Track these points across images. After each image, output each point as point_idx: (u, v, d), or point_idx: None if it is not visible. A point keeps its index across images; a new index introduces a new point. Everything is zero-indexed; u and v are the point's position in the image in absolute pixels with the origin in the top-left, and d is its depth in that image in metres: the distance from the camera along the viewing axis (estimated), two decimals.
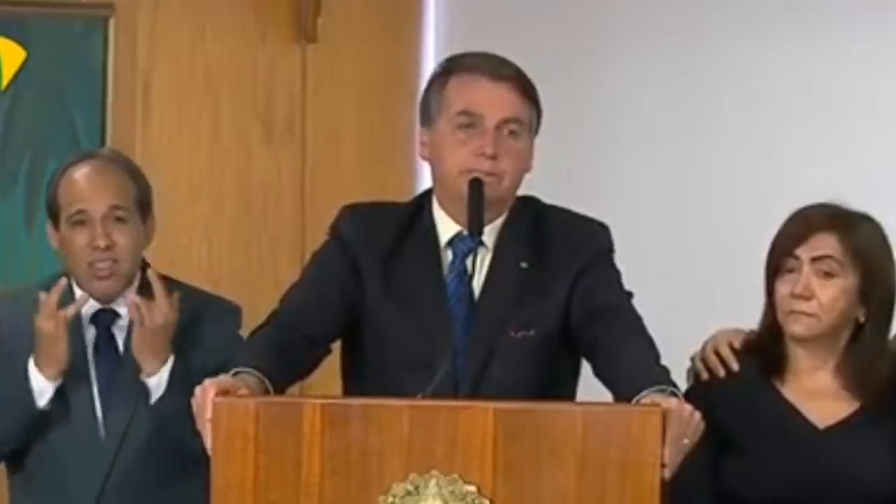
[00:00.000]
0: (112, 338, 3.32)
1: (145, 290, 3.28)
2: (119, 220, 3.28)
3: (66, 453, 3.28)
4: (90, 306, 3.30)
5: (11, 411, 3.25)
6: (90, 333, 3.32)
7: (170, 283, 3.33)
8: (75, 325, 3.26)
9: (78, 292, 3.30)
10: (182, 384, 3.11)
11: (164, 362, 3.21)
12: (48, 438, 3.28)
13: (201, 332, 3.31)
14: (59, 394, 3.25)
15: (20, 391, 3.22)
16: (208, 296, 3.45)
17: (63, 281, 3.22)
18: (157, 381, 3.21)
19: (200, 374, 3.14)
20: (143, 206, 3.35)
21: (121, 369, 3.30)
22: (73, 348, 3.24)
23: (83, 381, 3.29)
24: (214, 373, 3.17)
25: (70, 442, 3.28)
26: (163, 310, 3.19)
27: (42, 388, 3.21)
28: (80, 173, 3.31)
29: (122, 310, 3.31)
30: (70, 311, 3.20)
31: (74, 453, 3.28)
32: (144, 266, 3.35)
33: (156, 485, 3.29)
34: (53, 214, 3.33)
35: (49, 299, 3.18)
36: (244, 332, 3.17)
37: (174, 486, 3.27)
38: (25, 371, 3.22)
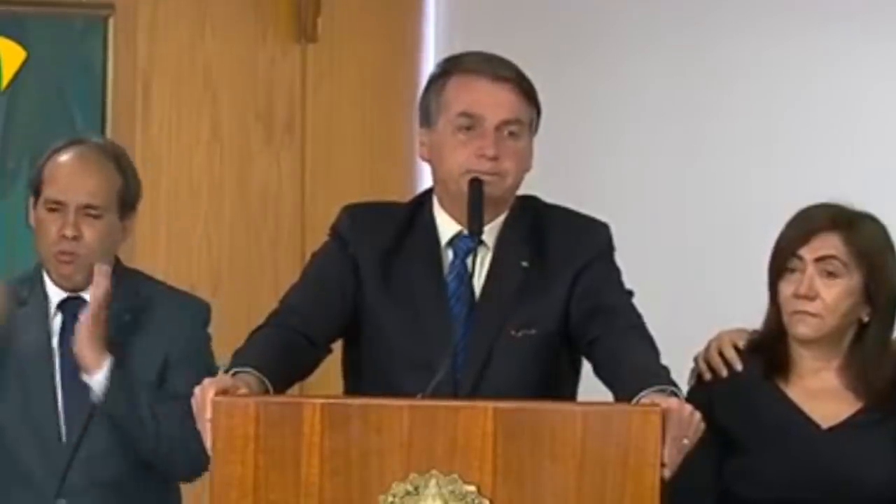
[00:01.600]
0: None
1: (116, 283, 3.29)
2: (92, 216, 3.30)
3: (25, 444, 3.27)
4: (57, 293, 3.33)
5: None
6: (56, 321, 3.33)
7: (139, 277, 3.39)
8: (41, 313, 3.30)
9: (49, 287, 3.33)
10: (123, 385, 3.15)
11: (102, 361, 3.20)
12: (5, 427, 3.26)
13: (163, 324, 3.32)
14: (20, 380, 3.26)
15: None
16: (176, 291, 3.45)
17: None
18: (98, 381, 3.21)
19: (158, 365, 3.24)
20: (125, 202, 3.36)
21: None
22: (38, 336, 3.27)
23: (45, 370, 3.29)
24: (174, 365, 3.26)
25: (29, 433, 3.26)
26: (99, 286, 3.19)
27: None
28: (66, 160, 3.34)
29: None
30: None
31: (33, 444, 3.27)
32: (118, 263, 3.37)
33: (120, 482, 3.27)
34: (36, 192, 3.36)
35: None
36: (241, 332, 3.16)
37: (134, 485, 3.27)
38: None
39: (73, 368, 3.26)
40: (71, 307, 3.33)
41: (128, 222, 3.38)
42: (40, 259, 3.36)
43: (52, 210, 3.31)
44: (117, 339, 3.26)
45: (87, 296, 3.30)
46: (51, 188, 3.32)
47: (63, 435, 3.27)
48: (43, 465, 3.26)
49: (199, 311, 3.40)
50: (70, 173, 3.32)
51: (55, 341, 3.32)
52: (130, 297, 3.33)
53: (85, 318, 3.20)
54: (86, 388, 3.22)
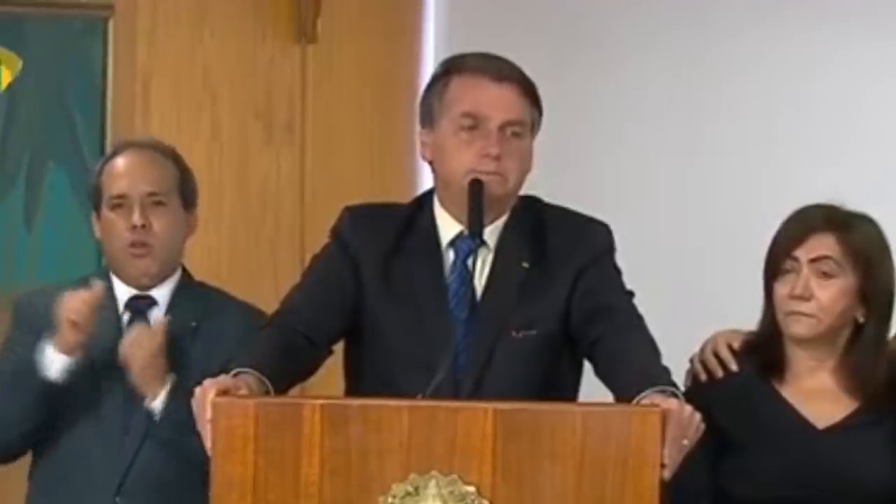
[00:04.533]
0: (148, 325, 3.33)
1: (185, 285, 3.36)
2: (158, 203, 3.33)
3: (90, 441, 3.28)
4: (126, 291, 3.34)
5: (23, 383, 3.24)
6: (125, 320, 3.34)
7: (200, 287, 3.41)
8: (113, 314, 3.30)
9: (117, 287, 3.33)
10: (179, 402, 3.13)
11: (162, 386, 3.23)
12: (76, 423, 3.28)
13: (223, 331, 3.31)
14: (90, 380, 3.26)
15: (31, 363, 3.22)
16: (236, 299, 3.46)
17: (98, 284, 3.23)
18: (157, 405, 3.23)
19: (220, 365, 3.15)
20: (186, 193, 3.40)
21: None
22: (107, 335, 3.26)
23: (114, 370, 3.28)
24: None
25: (95, 431, 3.28)
26: (142, 342, 3.21)
27: (52, 359, 3.21)
28: (121, 159, 3.37)
29: (161, 296, 3.34)
30: (87, 295, 3.20)
31: (98, 442, 3.28)
32: (185, 269, 3.41)
33: (174, 486, 3.27)
34: (96, 204, 3.38)
35: (78, 291, 3.21)
36: None
37: (189, 492, 3.27)
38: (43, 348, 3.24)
39: None
40: (139, 305, 3.35)
41: (191, 216, 3.41)
42: (110, 262, 3.36)
43: (115, 207, 3.32)
44: (182, 345, 3.29)
45: (156, 294, 3.34)
46: (112, 187, 3.33)
47: (126, 430, 3.27)
48: (105, 464, 3.27)
49: (256, 318, 3.38)
50: (129, 167, 3.34)
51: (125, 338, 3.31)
52: (198, 304, 3.36)
53: (143, 346, 3.21)
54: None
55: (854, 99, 4.71)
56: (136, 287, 3.35)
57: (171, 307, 3.35)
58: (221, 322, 3.34)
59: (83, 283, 3.32)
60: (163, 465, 3.26)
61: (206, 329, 3.34)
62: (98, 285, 3.23)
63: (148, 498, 3.27)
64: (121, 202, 3.32)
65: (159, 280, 3.35)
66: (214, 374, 3.08)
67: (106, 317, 3.29)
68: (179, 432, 3.14)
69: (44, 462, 3.34)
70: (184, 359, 3.29)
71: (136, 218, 3.29)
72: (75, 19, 4.68)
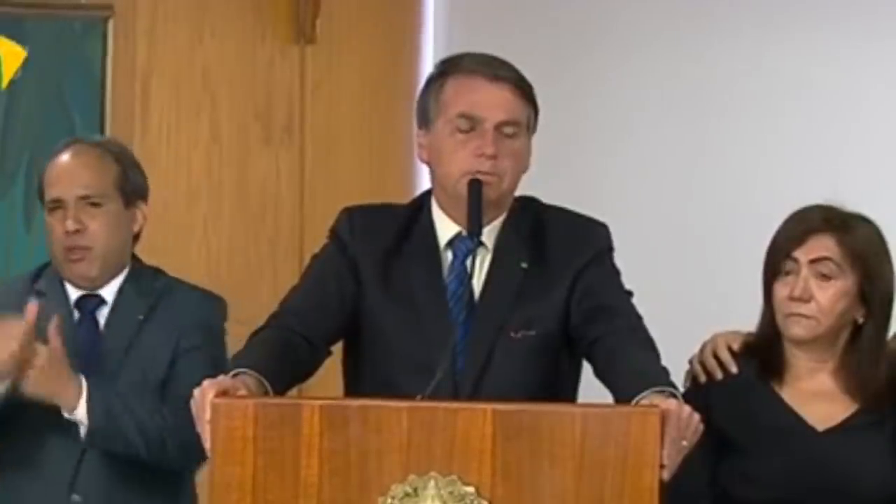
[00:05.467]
0: (95, 325, 3.34)
1: (133, 280, 3.34)
2: (93, 204, 3.31)
3: (43, 435, 3.26)
4: (74, 291, 3.34)
5: None
6: (76, 318, 3.34)
7: (156, 273, 3.40)
8: (66, 311, 3.30)
9: (67, 286, 3.33)
10: (100, 406, 3.16)
11: (74, 393, 3.19)
12: (29, 417, 3.25)
13: (174, 318, 3.33)
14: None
15: None
16: (190, 286, 3.45)
17: (32, 308, 3.17)
18: (80, 415, 3.20)
19: (168, 357, 3.27)
20: (127, 191, 3.37)
21: (100, 358, 3.30)
22: (64, 331, 3.24)
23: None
24: (182, 354, 3.27)
25: (47, 425, 3.25)
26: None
27: None
28: (59, 160, 3.36)
29: (108, 294, 3.34)
30: (18, 329, 3.15)
31: (50, 436, 3.26)
32: (136, 258, 3.39)
33: (128, 479, 3.27)
34: (41, 201, 3.38)
35: (11, 323, 3.16)
36: (244, 331, 3.17)
37: (146, 481, 3.28)
38: None
39: (90, 365, 3.26)
40: (88, 305, 3.34)
41: (135, 210, 3.39)
42: (54, 263, 3.36)
43: (53, 209, 3.33)
44: (132, 339, 3.29)
45: (104, 293, 3.33)
46: (49, 191, 3.34)
47: (81, 430, 3.25)
48: (58, 461, 3.26)
49: (209, 304, 3.40)
50: (64, 170, 3.34)
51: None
52: (147, 298, 3.35)
53: (41, 361, 3.15)
54: (107, 382, 3.24)
55: (854, 99, 4.71)
56: (78, 286, 3.34)
57: (118, 304, 3.34)
58: (171, 311, 3.34)
59: (33, 277, 3.36)
60: (117, 459, 3.25)
61: (155, 320, 3.33)
62: (32, 309, 3.17)
63: (107, 492, 3.26)
64: (56, 205, 3.32)
65: (107, 278, 3.34)
66: (167, 362, 3.11)
67: (54, 311, 3.25)
68: (114, 443, 3.17)
69: (5, 461, 3.33)
70: (135, 352, 3.29)
71: (70, 224, 3.29)
72: (75, 19, 4.68)
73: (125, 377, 3.28)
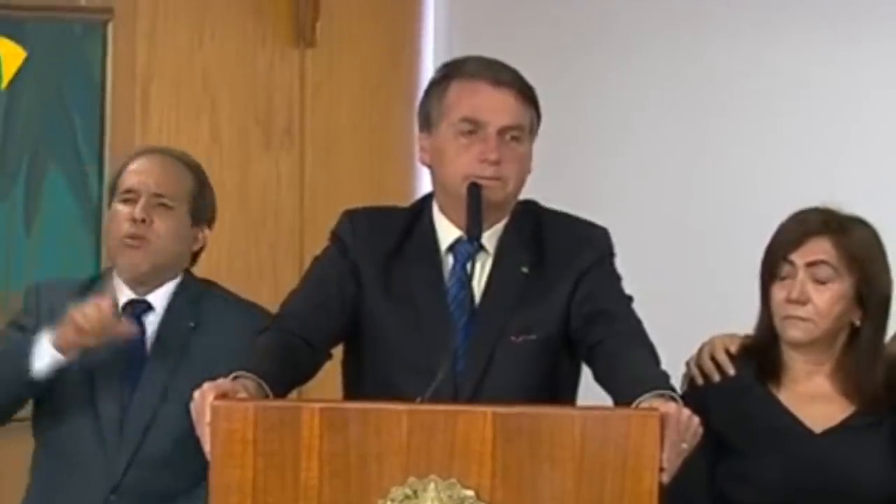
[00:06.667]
0: (142, 331, 3.33)
1: (183, 290, 3.35)
2: (163, 205, 3.34)
3: (86, 443, 3.28)
4: (124, 295, 3.34)
5: (7, 361, 3.25)
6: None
7: (202, 288, 3.40)
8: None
9: (118, 290, 3.33)
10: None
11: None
12: (74, 419, 3.27)
13: (219, 342, 3.28)
14: (88, 381, 3.27)
15: (22, 352, 3.22)
16: (239, 301, 3.45)
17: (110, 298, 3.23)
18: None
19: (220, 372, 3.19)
20: (197, 207, 3.40)
21: (145, 365, 3.31)
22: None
23: (113, 374, 3.29)
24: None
25: (92, 432, 3.27)
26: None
27: (44, 350, 3.21)
28: (141, 159, 3.41)
29: (157, 302, 3.35)
30: (104, 304, 3.19)
31: (93, 444, 3.28)
32: (189, 272, 3.41)
33: (169, 492, 3.28)
34: (110, 200, 3.41)
35: (102, 299, 3.21)
36: None
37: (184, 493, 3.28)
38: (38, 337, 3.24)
39: (132, 370, 3.29)
40: (135, 310, 3.35)
41: (199, 232, 3.41)
42: (109, 255, 3.39)
43: (124, 200, 3.35)
44: (181, 343, 3.30)
45: (152, 298, 3.35)
46: (125, 182, 3.36)
47: (122, 433, 3.27)
48: (101, 463, 3.26)
49: (259, 321, 3.37)
50: (145, 166, 3.38)
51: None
52: (196, 307, 3.35)
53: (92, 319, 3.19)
54: (151, 390, 3.26)
55: (853, 99, 4.71)
56: (132, 289, 3.35)
57: (168, 310, 3.35)
58: (220, 329, 3.33)
59: (95, 282, 3.38)
60: (161, 469, 3.26)
61: (204, 330, 3.33)
62: (109, 298, 3.23)
63: (144, 499, 3.26)
64: (129, 196, 3.34)
65: (156, 284, 3.35)
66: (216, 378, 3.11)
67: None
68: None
69: (44, 457, 3.35)
70: (184, 357, 3.29)
71: (138, 212, 3.31)
72: (75, 22, 4.67)
73: (172, 391, 3.26)
